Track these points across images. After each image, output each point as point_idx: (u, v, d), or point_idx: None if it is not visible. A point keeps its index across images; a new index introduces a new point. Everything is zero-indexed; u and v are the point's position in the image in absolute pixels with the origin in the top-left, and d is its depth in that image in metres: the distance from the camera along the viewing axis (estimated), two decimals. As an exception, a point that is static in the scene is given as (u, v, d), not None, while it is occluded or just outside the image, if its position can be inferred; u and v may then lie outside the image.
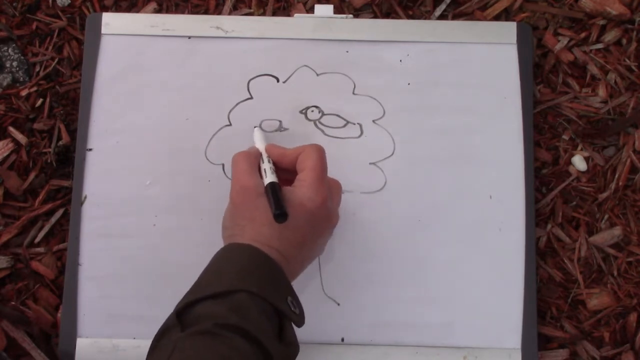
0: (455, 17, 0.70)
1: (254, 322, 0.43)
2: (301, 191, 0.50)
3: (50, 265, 0.65)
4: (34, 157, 0.67)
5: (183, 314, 0.45)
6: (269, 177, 0.52)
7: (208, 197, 0.64)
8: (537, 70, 0.69)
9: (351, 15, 0.68)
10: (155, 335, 0.45)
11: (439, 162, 0.65)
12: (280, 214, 0.48)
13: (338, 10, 0.70)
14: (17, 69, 0.69)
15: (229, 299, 0.44)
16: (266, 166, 0.53)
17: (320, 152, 0.52)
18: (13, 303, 0.64)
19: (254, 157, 0.54)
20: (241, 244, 0.48)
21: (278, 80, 0.67)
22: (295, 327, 0.48)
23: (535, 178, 0.66)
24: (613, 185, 0.67)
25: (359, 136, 0.65)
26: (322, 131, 0.65)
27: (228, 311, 0.43)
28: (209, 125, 0.65)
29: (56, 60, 0.69)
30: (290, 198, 0.50)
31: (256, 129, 0.61)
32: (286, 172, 0.54)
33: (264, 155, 0.55)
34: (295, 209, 0.49)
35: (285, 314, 0.46)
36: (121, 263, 0.63)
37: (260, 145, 0.57)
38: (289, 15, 0.70)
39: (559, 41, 0.70)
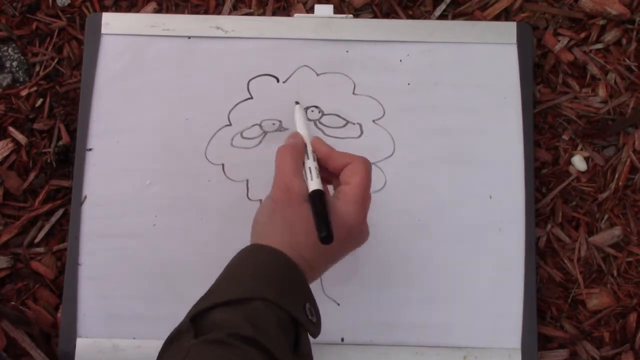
0: (455, 17, 0.70)
1: (268, 333, 0.42)
2: (344, 207, 0.48)
3: (50, 265, 0.65)
4: (34, 157, 0.67)
5: (197, 320, 0.44)
6: (315, 183, 0.48)
7: (208, 197, 0.64)
8: (537, 70, 0.69)
9: (351, 15, 0.68)
10: (167, 339, 0.44)
11: (439, 162, 0.65)
12: (327, 236, 0.45)
13: (338, 10, 0.70)
14: (17, 69, 0.69)
15: (245, 306, 0.43)
16: (311, 164, 0.50)
17: (368, 168, 0.50)
18: (13, 303, 0.64)
19: (299, 152, 0.51)
20: (269, 248, 0.47)
21: (278, 80, 0.67)
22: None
23: (535, 178, 0.66)
24: (613, 185, 0.67)
25: (359, 136, 0.66)
26: (322, 131, 0.65)
27: (243, 321, 0.42)
28: (209, 125, 0.65)
29: (56, 60, 0.69)
30: (332, 211, 0.48)
31: (297, 106, 0.57)
32: (325, 172, 0.51)
33: (309, 150, 0.51)
34: (335, 223, 0.47)
35: (301, 323, 0.45)
36: (121, 263, 0.63)
37: (302, 129, 0.54)
38: (289, 15, 0.70)
39: (559, 41, 0.70)
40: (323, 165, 0.51)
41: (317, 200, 0.47)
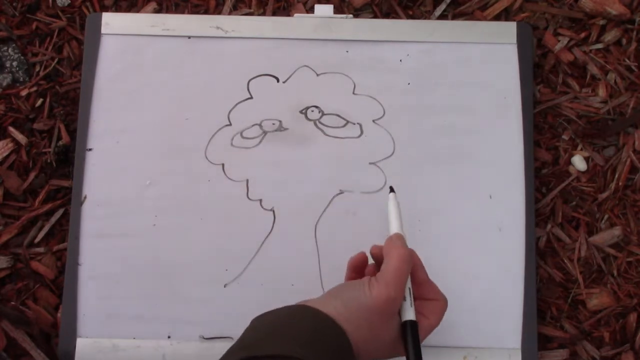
0: (455, 17, 0.70)
1: None
2: (422, 333, 0.50)
3: (50, 265, 0.65)
4: (34, 157, 0.67)
5: None
6: (412, 311, 0.50)
7: (208, 197, 0.64)
8: (537, 70, 0.69)
9: (351, 15, 0.68)
10: None
11: (439, 162, 0.65)
12: None
13: (338, 10, 0.70)
14: (17, 69, 0.69)
15: None
16: (410, 285, 0.51)
17: (444, 313, 0.52)
18: (13, 303, 0.64)
19: (411, 262, 0.51)
20: (337, 328, 0.47)
21: (278, 80, 0.67)
22: None
23: (535, 178, 0.66)
24: (613, 185, 0.67)
25: (359, 136, 0.66)
26: (322, 131, 0.65)
27: None
28: (209, 125, 0.65)
29: (56, 60, 0.69)
30: None
31: (392, 196, 0.55)
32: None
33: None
34: None
35: None
36: (121, 263, 0.63)
37: (394, 227, 0.53)
38: (289, 15, 0.70)
39: (559, 41, 0.70)
40: (412, 284, 0.52)
41: (414, 335, 0.49)
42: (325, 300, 0.49)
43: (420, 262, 0.53)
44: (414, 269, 0.52)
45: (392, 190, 0.55)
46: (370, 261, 0.55)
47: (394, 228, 0.53)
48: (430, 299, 0.52)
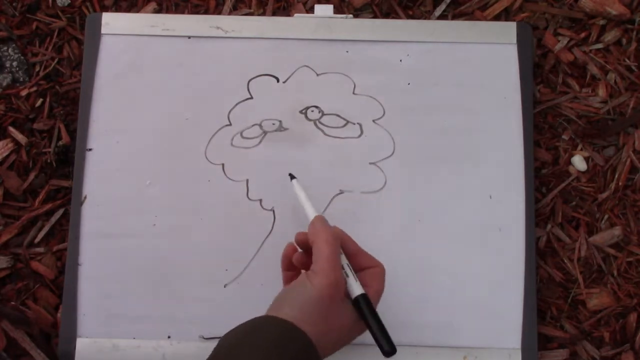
0: (455, 17, 0.70)
1: None
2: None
3: (50, 265, 0.65)
4: (34, 157, 0.67)
5: None
6: (358, 287, 0.50)
7: (208, 197, 0.64)
8: (537, 70, 0.69)
9: (351, 15, 0.68)
10: None
11: (439, 161, 0.65)
12: (392, 351, 0.48)
13: (338, 10, 0.70)
14: (17, 69, 0.69)
15: None
16: (346, 262, 0.51)
17: (384, 277, 0.52)
18: (13, 303, 0.64)
19: (339, 241, 0.52)
20: (303, 336, 0.47)
21: (278, 80, 0.67)
22: None
23: (535, 178, 0.66)
24: (613, 185, 0.67)
25: (359, 136, 0.66)
26: (322, 131, 0.65)
27: None
28: (209, 125, 0.65)
29: (56, 60, 0.69)
30: None
31: (295, 182, 0.57)
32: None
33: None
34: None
35: None
36: (121, 263, 0.63)
37: (310, 211, 0.54)
38: (289, 15, 0.70)
39: (559, 41, 0.70)
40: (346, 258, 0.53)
41: (369, 307, 0.50)
42: (277, 307, 0.49)
43: (347, 235, 0.53)
44: (343, 244, 0.52)
45: (292, 177, 0.58)
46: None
47: (311, 212, 0.54)
48: (368, 267, 0.52)
